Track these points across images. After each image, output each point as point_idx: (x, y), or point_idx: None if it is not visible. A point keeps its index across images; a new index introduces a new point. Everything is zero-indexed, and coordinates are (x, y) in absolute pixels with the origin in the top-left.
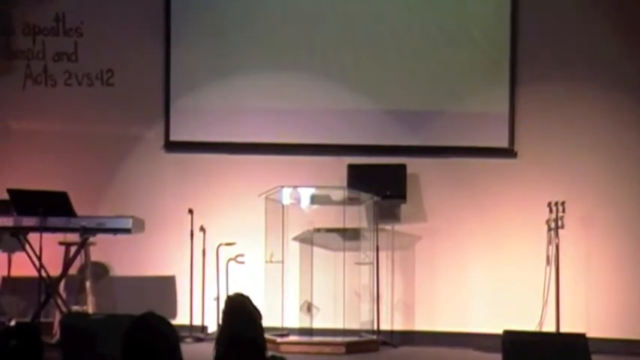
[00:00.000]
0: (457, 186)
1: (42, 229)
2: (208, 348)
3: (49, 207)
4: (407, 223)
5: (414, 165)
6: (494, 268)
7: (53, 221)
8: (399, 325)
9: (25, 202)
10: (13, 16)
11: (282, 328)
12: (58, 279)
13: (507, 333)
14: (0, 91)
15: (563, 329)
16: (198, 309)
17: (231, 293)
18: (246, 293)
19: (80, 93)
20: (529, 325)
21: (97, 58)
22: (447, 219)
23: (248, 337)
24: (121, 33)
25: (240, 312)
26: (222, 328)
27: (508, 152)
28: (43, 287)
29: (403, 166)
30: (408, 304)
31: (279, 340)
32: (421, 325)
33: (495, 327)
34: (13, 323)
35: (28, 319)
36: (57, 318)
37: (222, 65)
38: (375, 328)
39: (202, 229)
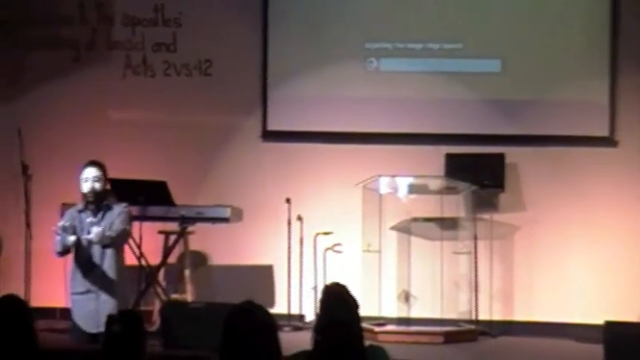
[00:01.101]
0: (556, 175)
1: (142, 218)
2: (306, 337)
3: (148, 196)
4: (505, 212)
5: (512, 154)
6: (594, 258)
7: (153, 210)
8: (497, 315)
9: (125, 191)
10: (112, 7)
11: (380, 318)
12: (158, 267)
13: (609, 324)
14: (100, 82)
15: None
16: (296, 298)
17: (328, 282)
18: (343, 282)
19: (179, 83)
20: (631, 316)
21: (195, 49)
22: (546, 208)
23: (346, 326)
24: (219, 23)
25: (337, 301)
26: (320, 317)
27: (609, 141)
28: (143, 276)
29: (502, 155)
30: (507, 293)
31: (376, 329)
32: (520, 315)
33: (596, 318)
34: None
35: (129, 307)
36: (156, 306)
37: (319, 54)
38: (474, 317)
39: (300, 218)
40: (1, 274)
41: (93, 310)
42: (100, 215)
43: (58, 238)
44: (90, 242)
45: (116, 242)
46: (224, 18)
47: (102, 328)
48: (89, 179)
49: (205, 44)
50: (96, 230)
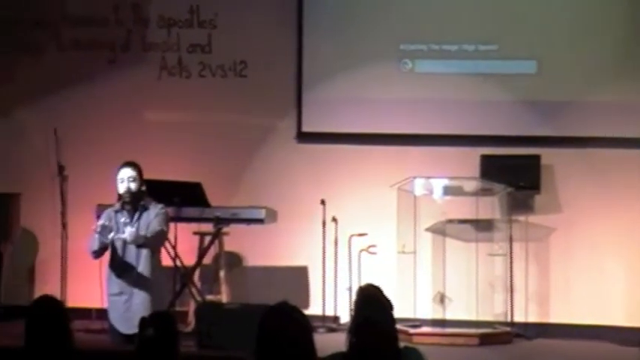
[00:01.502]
0: (592, 176)
1: (177, 219)
2: (341, 338)
3: (183, 197)
4: (541, 214)
5: (548, 155)
6: (631, 259)
7: (188, 211)
8: (533, 317)
9: (160, 192)
10: (148, 9)
11: (415, 319)
12: (193, 268)
13: None
14: (135, 83)
15: None
16: (331, 299)
17: (363, 284)
18: (378, 284)
19: (214, 84)
20: None
21: (230, 50)
22: (582, 210)
23: (381, 329)
24: (254, 24)
25: (372, 302)
26: (355, 318)
27: None
28: (178, 276)
29: (537, 157)
30: (543, 295)
31: (411, 331)
32: (556, 317)
33: (634, 320)
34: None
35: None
36: (192, 307)
37: (353, 55)
38: (509, 319)
39: (334, 219)
40: (37, 274)
41: (127, 311)
42: (136, 216)
43: (96, 236)
44: (124, 242)
45: (151, 243)
46: (259, 19)
47: (136, 329)
48: (125, 180)
49: (240, 45)
50: (129, 230)
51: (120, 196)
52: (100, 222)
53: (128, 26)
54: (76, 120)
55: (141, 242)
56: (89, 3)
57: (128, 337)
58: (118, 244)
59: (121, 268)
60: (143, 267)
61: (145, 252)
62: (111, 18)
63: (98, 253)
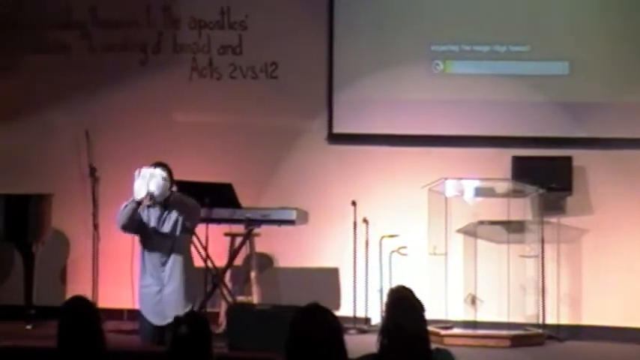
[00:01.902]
0: (625, 178)
1: (208, 220)
2: (372, 339)
3: (214, 198)
4: (573, 215)
5: (580, 157)
6: None
7: (219, 212)
8: (565, 319)
9: (191, 193)
10: (179, 10)
11: (446, 321)
12: (224, 269)
13: None
14: (166, 84)
15: None
16: (362, 301)
17: (394, 285)
18: (409, 285)
19: (245, 86)
20: None
21: (261, 51)
22: (614, 212)
23: (412, 331)
24: (285, 26)
25: (403, 304)
26: (386, 320)
27: None
28: (210, 277)
29: (569, 158)
30: (575, 297)
31: (442, 332)
32: (589, 319)
33: None
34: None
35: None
36: (223, 308)
37: (384, 56)
38: (541, 321)
39: (365, 220)
40: (69, 275)
41: (158, 304)
42: (166, 212)
43: (127, 207)
44: (161, 235)
45: (190, 217)
46: (290, 20)
47: (167, 321)
48: (151, 181)
49: (271, 47)
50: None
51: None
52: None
53: (159, 28)
54: (107, 121)
55: (180, 225)
56: (120, 4)
57: (159, 329)
58: (153, 237)
59: (154, 261)
60: (175, 261)
61: (178, 247)
62: (142, 19)
63: (126, 227)
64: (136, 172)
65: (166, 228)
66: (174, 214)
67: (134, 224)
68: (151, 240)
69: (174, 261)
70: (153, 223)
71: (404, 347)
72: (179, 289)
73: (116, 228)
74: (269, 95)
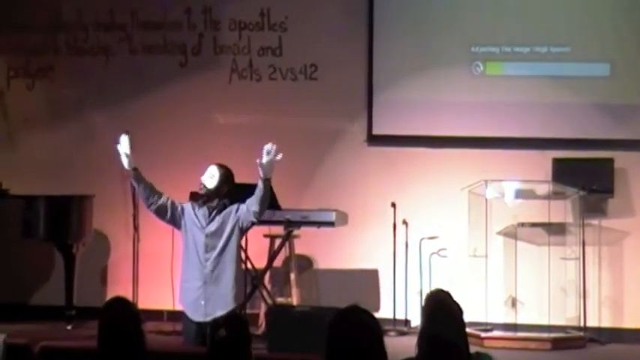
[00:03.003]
0: None
1: None
2: (411, 342)
3: None
4: (614, 218)
5: (622, 159)
6: None
7: None
8: (606, 322)
9: (231, 194)
10: (219, 12)
11: (486, 323)
12: (264, 271)
13: None
14: (206, 85)
15: None
16: (402, 302)
17: (432, 289)
18: (449, 287)
19: (284, 87)
20: None
21: (300, 53)
22: None
23: (450, 335)
24: (325, 27)
25: (440, 308)
26: (424, 326)
27: None
28: (249, 279)
29: (611, 160)
30: (617, 300)
31: (483, 335)
32: (630, 322)
33: None
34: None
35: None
36: (262, 309)
37: (424, 57)
38: (582, 324)
39: (405, 222)
40: (109, 276)
41: (199, 299)
42: (214, 213)
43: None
44: (211, 234)
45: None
46: (329, 22)
47: (208, 318)
48: (205, 175)
49: (311, 48)
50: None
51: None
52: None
53: (199, 29)
54: (147, 122)
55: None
56: (161, 6)
57: (199, 326)
58: (200, 238)
59: (198, 257)
60: (223, 259)
61: (228, 245)
62: (183, 21)
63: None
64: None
65: (215, 227)
66: (221, 221)
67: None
68: (194, 236)
69: (223, 259)
70: (199, 222)
71: (443, 352)
72: (226, 287)
73: (156, 229)
74: (308, 97)
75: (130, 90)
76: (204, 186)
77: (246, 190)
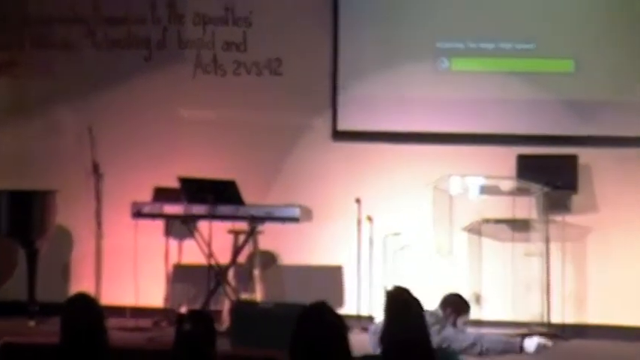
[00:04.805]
0: (630, 177)
1: (211, 217)
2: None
3: (218, 195)
4: (578, 214)
5: (586, 155)
6: None
7: (222, 209)
8: (570, 318)
9: (195, 190)
10: (184, 6)
11: None
12: (227, 267)
13: None
14: (170, 80)
15: None
16: (366, 299)
17: (391, 287)
18: (413, 284)
19: (249, 82)
20: None
21: (265, 48)
22: (619, 210)
23: (412, 331)
24: (289, 22)
25: (400, 306)
26: (385, 323)
27: None
28: (213, 275)
29: (575, 157)
30: (580, 296)
31: None
32: (594, 318)
33: None
34: (183, 310)
35: (197, 307)
36: (226, 306)
37: (389, 53)
38: (546, 320)
39: (369, 218)
40: (72, 272)
41: None
42: None
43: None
44: None
45: None
46: (294, 17)
47: None
48: None
49: (275, 43)
50: None
51: None
52: None
53: (164, 24)
54: (111, 117)
55: None
56: (126, 1)
57: None
58: None
59: None
60: None
61: None
62: (147, 15)
63: None
64: None
65: None
66: None
67: None
68: None
69: None
70: None
71: (405, 349)
72: None
73: (120, 225)
74: (273, 92)
75: (94, 85)
76: None
77: (209, 186)
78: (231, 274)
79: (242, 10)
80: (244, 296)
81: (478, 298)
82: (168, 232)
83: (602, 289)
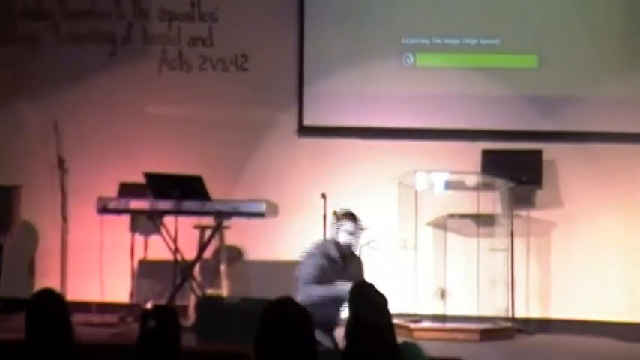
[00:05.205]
0: (594, 172)
1: (177, 212)
2: (341, 334)
3: (184, 191)
4: (543, 209)
5: (550, 151)
6: (632, 255)
7: (188, 205)
8: (534, 313)
9: (161, 185)
10: (149, 2)
11: (415, 314)
12: (193, 262)
13: None
14: (136, 76)
15: None
16: None
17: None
18: (378, 278)
19: (215, 78)
20: None
21: (231, 43)
22: (583, 205)
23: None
24: (255, 18)
25: (365, 300)
26: (349, 318)
27: None
28: (179, 270)
29: (539, 152)
30: (544, 291)
31: (412, 326)
32: (557, 312)
33: (636, 316)
34: (149, 305)
35: (163, 302)
36: (192, 301)
37: (355, 49)
38: (510, 315)
39: (335, 213)
40: (37, 267)
41: None
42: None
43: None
44: None
45: None
46: (260, 13)
47: None
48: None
49: (241, 39)
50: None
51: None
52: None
53: (129, 19)
54: (76, 113)
55: None
56: None
57: None
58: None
59: None
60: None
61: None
62: (112, 10)
63: None
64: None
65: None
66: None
67: None
68: None
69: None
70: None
71: (369, 343)
72: None
73: (85, 220)
74: (239, 87)
75: (58, 80)
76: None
77: (175, 181)
78: (197, 269)
79: (208, 5)
80: (210, 291)
81: (443, 293)
82: (134, 227)
83: (566, 283)
